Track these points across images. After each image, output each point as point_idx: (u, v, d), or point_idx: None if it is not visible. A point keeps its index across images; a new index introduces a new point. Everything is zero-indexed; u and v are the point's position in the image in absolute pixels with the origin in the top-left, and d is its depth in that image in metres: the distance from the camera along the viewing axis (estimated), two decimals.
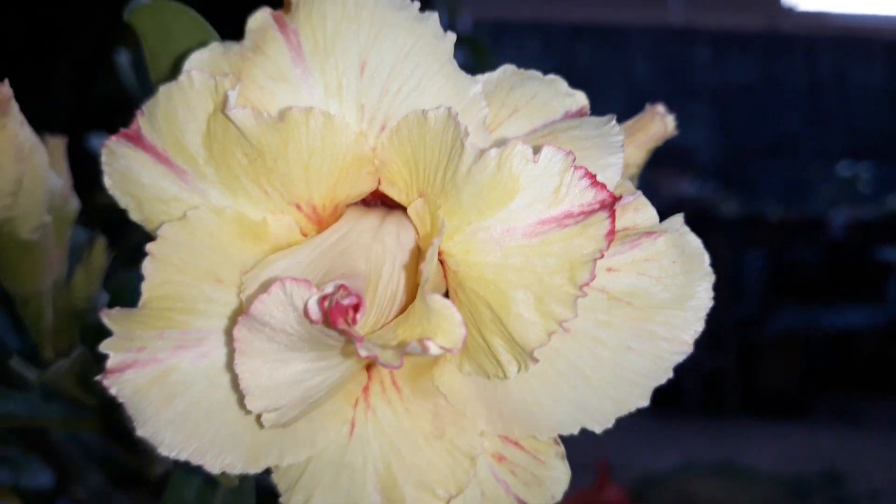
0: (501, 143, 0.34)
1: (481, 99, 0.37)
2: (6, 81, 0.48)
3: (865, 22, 6.84)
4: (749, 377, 4.68)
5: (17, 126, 0.49)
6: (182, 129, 0.37)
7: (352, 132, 0.38)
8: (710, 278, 0.38)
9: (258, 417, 0.38)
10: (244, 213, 0.39)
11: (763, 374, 4.74)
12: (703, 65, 6.60)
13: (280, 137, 0.37)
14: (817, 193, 5.85)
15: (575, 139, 0.38)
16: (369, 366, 0.41)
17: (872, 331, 4.87)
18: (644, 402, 0.39)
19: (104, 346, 0.37)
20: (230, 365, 0.38)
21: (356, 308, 0.33)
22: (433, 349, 0.34)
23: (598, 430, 0.39)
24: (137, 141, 0.38)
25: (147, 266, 0.37)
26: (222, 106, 0.36)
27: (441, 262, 0.38)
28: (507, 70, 0.40)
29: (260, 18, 0.37)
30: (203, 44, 0.37)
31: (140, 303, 0.37)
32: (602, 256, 0.35)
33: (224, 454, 0.39)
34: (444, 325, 0.35)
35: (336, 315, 0.33)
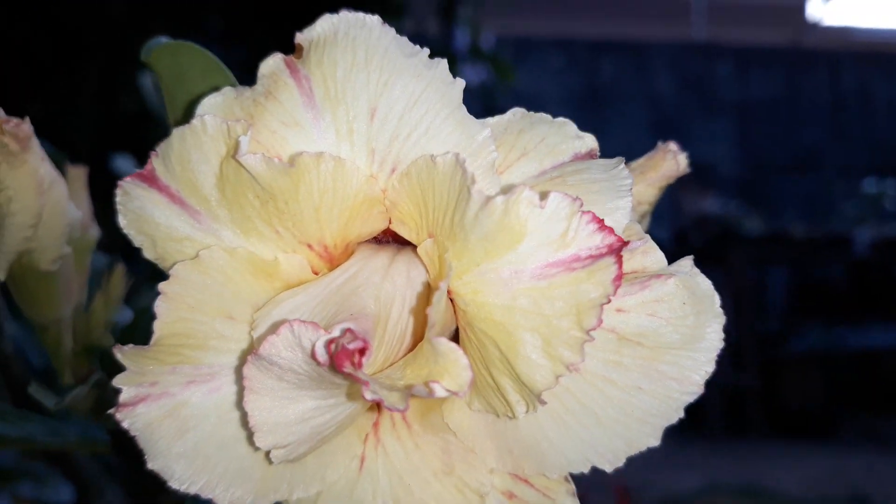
0: (509, 188, 0.35)
1: (490, 143, 0.37)
2: (27, 119, 0.49)
3: (891, 37, 6.77)
4: (772, 397, 4.62)
5: (38, 161, 0.50)
6: (195, 171, 0.38)
7: (362, 175, 0.38)
8: (720, 319, 0.38)
9: (267, 454, 0.38)
10: (256, 252, 0.40)
11: (787, 393, 4.67)
12: (725, 80, 6.56)
13: (291, 181, 0.37)
14: (841, 210, 5.78)
15: (583, 182, 0.38)
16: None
17: None
18: (655, 441, 0.39)
19: (117, 381, 0.38)
20: (240, 401, 0.38)
21: (362, 352, 0.34)
22: (439, 392, 0.34)
23: (608, 468, 0.39)
24: (152, 182, 0.38)
25: (160, 305, 0.38)
26: (234, 151, 0.37)
27: (451, 299, 0.38)
28: (516, 113, 0.41)
29: (272, 64, 0.37)
30: (216, 87, 0.38)
31: (152, 340, 0.38)
32: (609, 301, 0.35)
33: (234, 488, 0.39)
34: (451, 368, 0.35)
35: (342, 359, 0.33)
